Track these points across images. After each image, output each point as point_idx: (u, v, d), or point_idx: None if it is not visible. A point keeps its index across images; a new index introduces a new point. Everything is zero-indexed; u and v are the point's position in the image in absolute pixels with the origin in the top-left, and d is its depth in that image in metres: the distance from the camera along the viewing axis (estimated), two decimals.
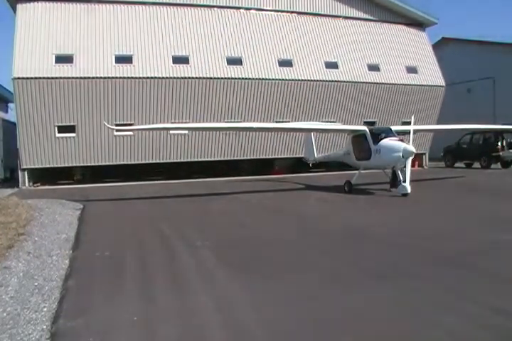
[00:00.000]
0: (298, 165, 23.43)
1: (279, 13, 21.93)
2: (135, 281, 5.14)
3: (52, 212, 10.23)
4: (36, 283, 5.07)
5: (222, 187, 16.20)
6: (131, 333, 3.78)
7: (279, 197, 13.61)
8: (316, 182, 16.85)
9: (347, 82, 21.30)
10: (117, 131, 17.46)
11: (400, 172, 12.46)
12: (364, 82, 21.62)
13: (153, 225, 8.81)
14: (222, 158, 20.56)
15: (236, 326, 3.85)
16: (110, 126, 15.03)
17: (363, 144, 13.19)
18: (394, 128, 13.74)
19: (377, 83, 21.92)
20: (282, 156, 21.50)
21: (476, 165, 23.22)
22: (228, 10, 21.04)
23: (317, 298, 4.47)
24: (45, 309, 4.30)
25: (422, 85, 22.88)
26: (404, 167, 12.18)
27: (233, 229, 8.29)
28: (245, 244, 6.98)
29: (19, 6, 18.25)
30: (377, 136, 12.88)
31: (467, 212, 9.72)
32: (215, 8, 20.84)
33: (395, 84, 22.33)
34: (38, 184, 18.72)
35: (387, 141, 12.42)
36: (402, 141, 12.49)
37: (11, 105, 26.47)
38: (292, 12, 22.17)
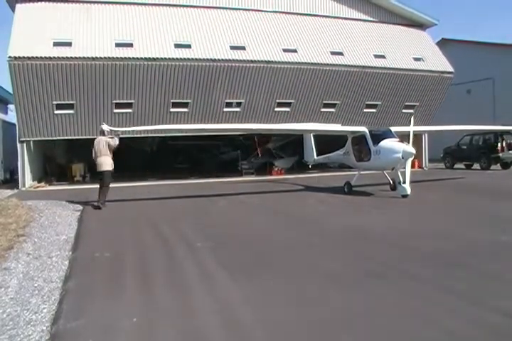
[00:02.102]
0: (298, 166, 23.54)
1: (278, 14, 21.97)
2: (135, 282, 5.14)
3: (51, 213, 10.23)
4: (36, 284, 5.07)
5: (221, 188, 16.19)
6: (131, 334, 3.78)
7: (279, 198, 13.60)
8: (315, 183, 16.85)
9: (352, 66, 21.01)
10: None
11: (399, 174, 12.43)
12: (370, 67, 21.33)
13: (153, 226, 8.79)
14: None
15: (236, 327, 3.85)
16: (110, 127, 14.75)
17: (363, 145, 13.21)
18: (394, 129, 13.69)
19: (384, 67, 21.64)
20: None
21: (476, 166, 23.23)
22: (227, 10, 21.09)
23: (317, 299, 4.48)
24: (44, 310, 4.30)
25: (431, 71, 22.61)
26: (404, 168, 12.18)
27: (234, 230, 8.28)
28: (248, 244, 6.98)
29: (18, 6, 18.27)
30: (377, 137, 12.87)
31: (467, 213, 9.72)
32: (212, 9, 20.88)
33: (402, 69, 22.03)
34: (40, 183, 18.73)
35: (387, 142, 12.42)
36: (401, 142, 12.50)
37: (10, 106, 26.43)
38: (291, 13, 22.22)
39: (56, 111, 18.06)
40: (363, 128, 13.68)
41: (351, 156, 13.91)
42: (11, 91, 18.60)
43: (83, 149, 22.37)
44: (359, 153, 13.52)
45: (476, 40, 31.51)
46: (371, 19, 23.83)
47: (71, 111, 18.23)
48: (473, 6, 72.95)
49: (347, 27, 22.92)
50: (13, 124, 19.61)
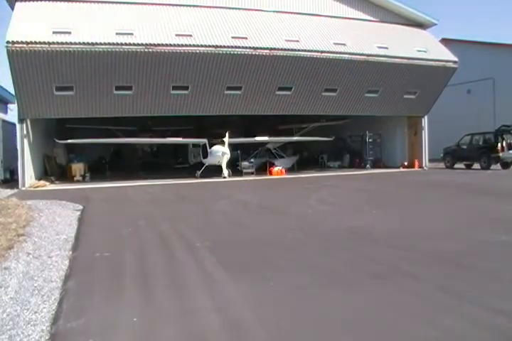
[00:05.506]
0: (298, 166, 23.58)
1: (279, 13, 21.98)
2: (135, 282, 5.14)
3: (51, 213, 10.21)
4: (36, 284, 5.07)
5: (221, 188, 16.18)
6: (130, 334, 3.77)
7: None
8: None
9: (355, 53, 20.96)
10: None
11: (222, 164, 20.12)
12: (374, 55, 21.29)
13: (153, 226, 8.79)
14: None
15: (236, 326, 3.85)
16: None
17: (205, 149, 21.21)
18: (226, 140, 20.04)
19: (388, 56, 21.57)
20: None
21: (476, 166, 23.20)
22: (227, 10, 21.09)
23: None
24: (44, 310, 4.29)
25: (434, 60, 22.50)
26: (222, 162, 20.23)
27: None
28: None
29: (18, 4, 18.21)
30: (212, 144, 20.88)
31: (468, 212, 9.72)
32: (213, 8, 20.89)
33: (406, 57, 21.92)
34: (40, 182, 18.70)
35: (215, 146, 20.60)
36: (223, 146, 19.97)
37: (10, 106, 26.41)
38: (292, 13, 22.23)
39: (56, 93, 18.04)
40: (205, 140, 21.43)
41: (201, 156, 21.85)
42: (11, 84, 18.40)
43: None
44: (204, 154, 21.50)
45: (477, 39, 31.53)
46: (372, 19, 23.87)
47: (71, 93, 18.21)
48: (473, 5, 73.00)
49: (348, 24, 22.95)
50: (13, 124, 19.59)
